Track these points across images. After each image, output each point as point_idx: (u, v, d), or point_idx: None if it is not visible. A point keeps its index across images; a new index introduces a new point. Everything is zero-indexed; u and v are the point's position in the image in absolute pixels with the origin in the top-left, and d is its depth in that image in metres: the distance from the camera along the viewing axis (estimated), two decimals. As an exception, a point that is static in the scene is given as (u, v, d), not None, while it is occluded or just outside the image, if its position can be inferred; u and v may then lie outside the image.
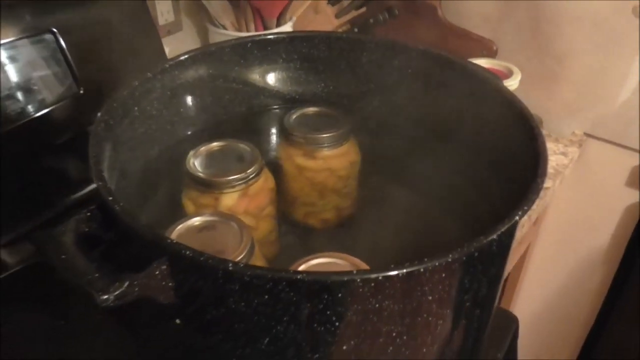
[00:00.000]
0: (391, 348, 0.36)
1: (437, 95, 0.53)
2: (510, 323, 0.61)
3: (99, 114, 0.43)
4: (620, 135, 0.94)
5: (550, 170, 0.88)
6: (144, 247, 0.34)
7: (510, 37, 0.94)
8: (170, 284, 0.35)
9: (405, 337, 0.36)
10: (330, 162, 0.53)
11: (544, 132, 0.96)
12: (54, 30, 0.66)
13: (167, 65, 0.51)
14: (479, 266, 0.35)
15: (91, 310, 0.60)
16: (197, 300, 0.34)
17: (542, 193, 0.82)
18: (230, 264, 0.31)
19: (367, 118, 0.56)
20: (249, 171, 0.49)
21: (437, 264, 0.31)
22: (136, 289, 0.33)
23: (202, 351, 0.38)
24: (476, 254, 0.34)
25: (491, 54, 0.94)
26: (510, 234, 0.38)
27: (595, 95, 0.90)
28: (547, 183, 0.85)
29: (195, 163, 0.50)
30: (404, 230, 0.49)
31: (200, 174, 0.49)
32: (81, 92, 0.68)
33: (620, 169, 0.97)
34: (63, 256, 0.35)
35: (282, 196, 0.54)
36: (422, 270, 0.31)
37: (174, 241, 0.33)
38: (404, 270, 0.31)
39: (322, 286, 0.31)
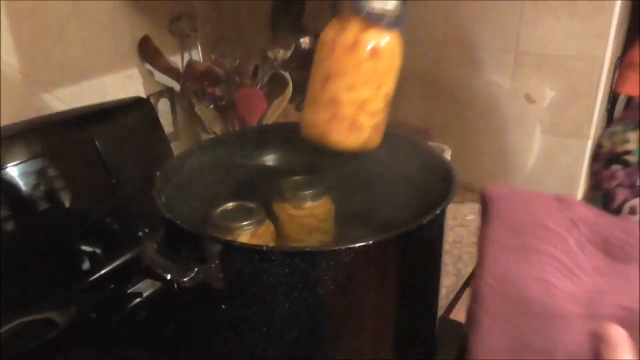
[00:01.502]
0: (372, 305, 0.55)
1: (380, 159, 0.75)
2: (458, 329, 0.79)
3: (156, 178, 0.63)
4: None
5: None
6: (206, 249, 0.53)
7: (441, 124, 1.20)
8: (221, 275, 0.53)
9: (379, 297, 0.55)
10: (313, 210, 0.74)
11: (476, 196, 1.19)
12: (93, 138, 0.87)
13: (193, 149, 0.72)
14: (419, 246, 0.55)
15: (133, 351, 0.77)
16: (240, 281, 0.53)
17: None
18: (264, 247, 0.50)
19: (337, 179, 0.77)
20: (255, 220, 0.69)
21: (387, 238, 0.51)
22: (201, 275, 0.52)
23: (241, 324, 0.55)
24: (414, 235, 0.54)
25: (428, 137, 1.19)
26: (436, 225, 0.58)
27: (510, 164, 1.15)
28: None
29: (218, 216, 0.70)
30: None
31: (223, 223, 0.68)
32: (113, 182, 0.88)
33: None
34: (149, 262, 0.54)
35: (279, 237, 0.74)
36: (382, 240, 0.51)
37: (228, 240, 0.52)
38: (370, 242, 0.51)
39: (322, 255, 0.50)
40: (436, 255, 0.60)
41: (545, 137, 1.12)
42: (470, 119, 1.17)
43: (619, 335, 0.39)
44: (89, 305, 0.84)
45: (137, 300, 0.88)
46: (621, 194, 0.58)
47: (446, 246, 1.04)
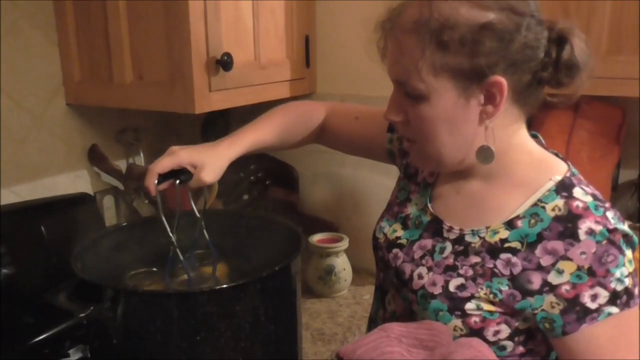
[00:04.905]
0: (247, 329, 0.73)
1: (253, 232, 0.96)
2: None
3: (75, 250, 0.82)
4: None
5: (377, 301, 1.28)
6: (102, 294, 0.72)
7: (344, 216, 1.42)
8: (110, 314, 0.72)
9: (251, 323, 0.73)
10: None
11: (373, 279, 1.38)
12: (40, 224, 1.07)
13: (109, 231, 0.92)
14: (271, 291, 0.75)
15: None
16: (124, 317, 0.71)
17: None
18: (128, 288, 0.69)
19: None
20: (154, 280, 0.88)
21: (244, 282, 0.71)
22: (96, 312, 0.70)
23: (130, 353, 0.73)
24: (267, 282, 0.73)
25: (333, 229, 1.41)
26: (284, 276, 0.77)
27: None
28: (373, 308, 1.25)
29: (129, 277, 0.89)
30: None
31: (132, 282, 0.87)
32: (54, 261, 1.06)
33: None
34: (59, 305, 0.72)
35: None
36: (241, 283, 0.70)
37: (106, 283, 0.72)
38: (240, 282, 0.70)
39: (181, 296, 0.70)
40: (288, 302, 0.79)
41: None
42: (366, 212, 1.40)
43: None
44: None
45: (66, 362, 1.03)
46: (407, 267, 0.78)
47: (340, 319, 1.23)
